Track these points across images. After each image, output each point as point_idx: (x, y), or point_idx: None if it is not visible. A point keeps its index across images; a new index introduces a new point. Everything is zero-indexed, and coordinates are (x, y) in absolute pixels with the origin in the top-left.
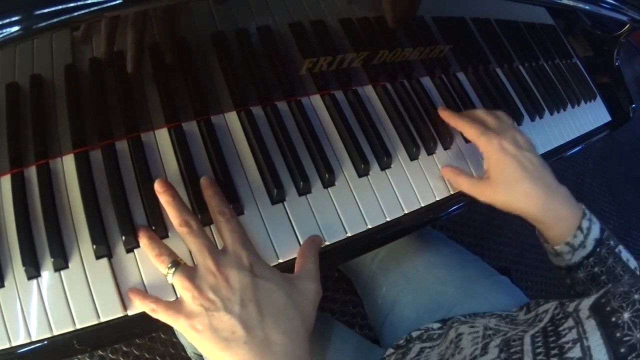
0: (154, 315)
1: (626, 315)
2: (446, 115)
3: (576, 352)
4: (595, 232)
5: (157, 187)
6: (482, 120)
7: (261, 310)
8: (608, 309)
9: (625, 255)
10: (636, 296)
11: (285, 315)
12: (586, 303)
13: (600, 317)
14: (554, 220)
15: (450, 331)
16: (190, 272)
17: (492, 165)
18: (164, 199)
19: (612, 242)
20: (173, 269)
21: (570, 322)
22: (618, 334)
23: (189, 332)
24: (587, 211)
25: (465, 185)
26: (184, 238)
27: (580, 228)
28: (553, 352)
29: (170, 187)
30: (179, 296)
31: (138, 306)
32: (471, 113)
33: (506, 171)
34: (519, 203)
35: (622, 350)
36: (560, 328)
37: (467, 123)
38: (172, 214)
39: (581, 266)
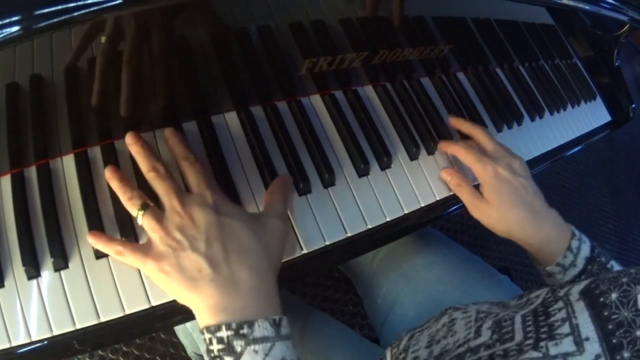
0: (121, 259)
1: (614, 296)
2: (444, 145)
3: (565, 329)
4: (586, 250)
5: (128, 139)
6: (481, 143)
7: (226, 247)
8: (597, 291)
9: (617, 269)
10: (624, 279)
11: (250, 251)
12: (576, 288)
13: (589, 299)
14: (544, 243)
15: (443, 317)
16: (158, 213)
17: (487, 190)
18: (134, 149)
19: (603, 259)
20: (142, 211)
21: (560, 304)
22: (606, 313)
23: (157, 275)
24: (577, 231)
25: (466, 196)
26: (151, 183)
27: (569, 248)
28: (543, 329)
29: (140, 139)
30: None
31: (103, 249)
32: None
33: (501, 196)
34: (508, 227)
35: (610, 326)
36: (550, 309)
37: (463, 149)
38: (141, 162)
39: None
